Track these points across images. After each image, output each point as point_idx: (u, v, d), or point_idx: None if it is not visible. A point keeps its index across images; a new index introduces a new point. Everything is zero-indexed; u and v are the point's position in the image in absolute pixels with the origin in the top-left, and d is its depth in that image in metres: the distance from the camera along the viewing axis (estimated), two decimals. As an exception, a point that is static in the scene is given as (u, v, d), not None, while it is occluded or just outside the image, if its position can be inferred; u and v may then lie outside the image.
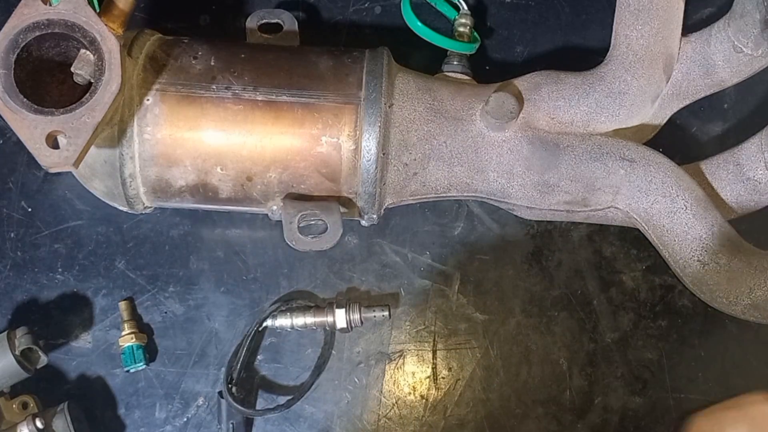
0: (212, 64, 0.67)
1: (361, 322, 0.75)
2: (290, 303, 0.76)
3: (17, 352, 0.68)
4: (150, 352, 0.76)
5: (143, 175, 0.67)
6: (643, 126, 0.73)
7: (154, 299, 0.77)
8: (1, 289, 0.77)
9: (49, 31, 0.60)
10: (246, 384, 0.75)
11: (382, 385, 0.76)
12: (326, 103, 0.66)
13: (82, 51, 0.61)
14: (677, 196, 0.68)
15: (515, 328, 0.77)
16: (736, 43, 0.71)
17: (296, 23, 0.75)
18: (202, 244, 0.78)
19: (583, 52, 0.82)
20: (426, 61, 0.77)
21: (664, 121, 0.75)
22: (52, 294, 0.77)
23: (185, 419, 0.75)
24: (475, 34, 0.79)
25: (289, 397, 0.74)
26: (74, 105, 0.59)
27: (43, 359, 0.70)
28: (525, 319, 0.77)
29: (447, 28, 0.79)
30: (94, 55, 0.60)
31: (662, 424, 0.76)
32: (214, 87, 0.66)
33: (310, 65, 0.68)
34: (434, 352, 0.77)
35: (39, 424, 0.68)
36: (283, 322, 0.75)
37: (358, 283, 0.78)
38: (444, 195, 0.71)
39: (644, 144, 0.71)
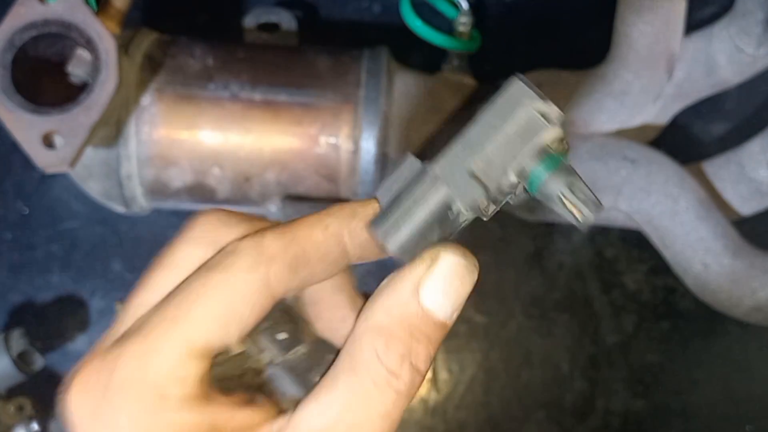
0: (210, 63, 0.67)
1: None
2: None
3: (13, 355, 0.68)
4: (147, 354, 0.75)
5: (140, 175, 0.66)
6: (646, 126, 0.73)
7: (151, 301, 0.76)
8: (-3, 291, 0.76)
9: (46, 30, 0.59)
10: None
11: (381, 387, 0.76)
12: (325, 103, 0.66)
13: (79, 50, 0.61)
14: (679, 196, 0.67)
15: (516, 330, 0.77)
16: (738, 42, 0.70)
17: (295, 22, 0.75)
18: (200, 246, 0.77)
19: (584, 51, 0.81)
20: (426, 61, 0.76)
21: (667, 122, 0.75)
22: (49, 296, 0.76)
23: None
24: (475, 33, 0.79)
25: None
26: (70, 105, 0.58)
27: (40, 361, 0.70)
28: (526, 321, 0.77)
29: (447, 28, 0.78)
30: (91, 54, 0.60)
31: (664, 427, 0.76)
32: (212, 87, 0.66)
33: (308, 64, 0.68)
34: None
35: (35, 426, 0.68)
36: (281, 324, 0.74)
37: (358, 285, 0.77)
38: (444, 196, 0.70)
39: (647, 144, 0.71)
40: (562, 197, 0.31)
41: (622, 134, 0.71)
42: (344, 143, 0.66)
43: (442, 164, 0.31)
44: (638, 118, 0.71)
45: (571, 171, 0.31)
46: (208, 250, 0.32)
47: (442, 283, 0.32)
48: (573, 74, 0.72)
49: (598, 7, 0.83)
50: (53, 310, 0.76)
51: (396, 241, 0.31)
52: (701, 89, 0.74)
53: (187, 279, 0.31)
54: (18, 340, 0.69)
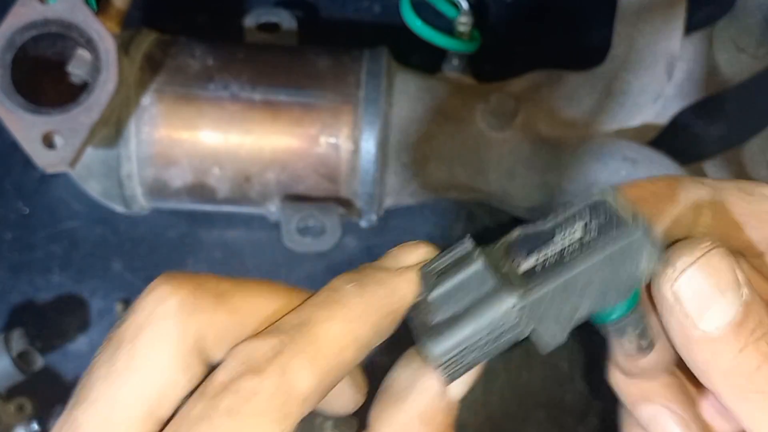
0: (210, 63, 0.67)
1: (361, 324, 0.74)
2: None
3: (13, 355, 0.68)
4: (147, 354, 0.75)
5: (140, 175, 0.66)
6: (646, 126, 0.73)
7: (151, 301, 0.76)
8: (-3, 291, 0.76)
9: (46, 30, 0.59)
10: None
11: (381, 387, 0.75)
12: (325, 103, 0.66)
13: (79, 50, 0.61)
14: (679, 196, 0.67)
15: (516, 330, 0.77)
16: (738, 43, 0.70)
17: (295, 22, 0.75)
18: (200, 246, 0.77)
19: (584, 51, 0.81)
20: (426, 61, 0.76)
21: (667, 122, 0.75)
22: (49, 295, 0.76)
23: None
24: (476, 33, 0.79)
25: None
26: (71, 105, 0.58)
27: (40, 361, 0.70)
28: (525, 321, 0.77)
29: (447, 28, 0.78)
30: (91, 54, 0.60)
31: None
32: (212, 87, 0.66)
33: (308, 65, 0.68)
34: (434, 354, 0.76)
35: (35, 426, 0.67)
36: (281, 323, 0.74)
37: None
38: (444, 196, 0.70)
39: (646, 144, 0.71)
40: (630, 337, 0.31)
41: (622, 134, 0.71)
42: (344, 143, 0.66)
43: (533, 302, 0.28)
44: (638, 118, 0.71)
45: (642, 312, 0.30)
46: (179, 355, 0.26)
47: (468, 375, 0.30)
48: (573, 74, 0.72)
49: (598, 7, 0.83)
50: (53, 310, 0.76)
51: (451, 374, 0.29)
52: (701, 89, 0.74)
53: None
54: (18, 340, 0.68)
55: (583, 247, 0.28)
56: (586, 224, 0.29)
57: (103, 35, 0.59)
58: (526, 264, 0.29)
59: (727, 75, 0.73)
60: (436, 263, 0.30)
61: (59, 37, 0.60)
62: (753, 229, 0.32)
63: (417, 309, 0.30)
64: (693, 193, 0.32)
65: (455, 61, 0.75)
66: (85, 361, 0.78)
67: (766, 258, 0.33)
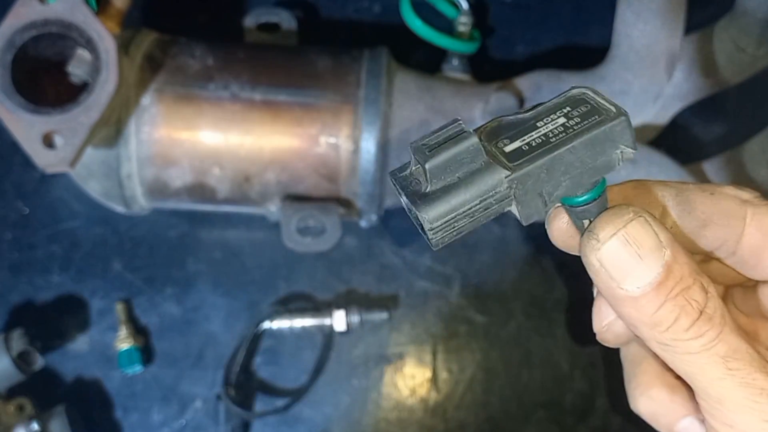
0: (210, 63, 0.67)
1: (361, 325, 0.74)
2: (288, 305, 0.75)
3: (13, 355, 0.68)
4: (147, 354, 0.75)
5: (140, 175, 0.66)
6: (646, 126, 0.73)
7: (151, 301, 0.76)
8: (-2, 291, 0.76)
9: (46, 30, 0.59)
10: (244, 386, 0.74)
11: (381, 387, 0.75)
12: (325, 103, 0.66)
13: (79, 50, 0.61)
14: (679, 196, 0.67)
15: (516, 330, 0.77)
16: (738, 42, 0.70)
17: (295, 22, 0.75)
18: (200, 246, 0.77)
19: (584, 51, 0.81)
20: (426, 61, 0.76)
21: (667, 121, 0.75)
22: (49, 296, 0.76)
23: (183, 422, 0.75)
24: (476, 33, 0.79)
25: (288, 400, 0.73)
26: (70, 105, 0.58)
27: (40, 361, 0.70)
28: (526, 321, 0.77)
29: (447, 28, 0.78)
30: (91, 54, 0.60)
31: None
32: (212, 87, 0.66)
33: (308, 65, 0.68)
34: (434, 355, 0.76)
35: (35, 426, 0.67)
36: (281, 324, 0.74)
37: (357, 285, 0.77)
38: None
39: (647, 144, 0.71)
40: (586, 223, 0.32)
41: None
42: (344, 143, 0.66)
43: (522, 175, 0.31)
44: (638, 118, 0.71)
45: (606, 198, 0.32)
46: None
47: None
48: (573, 74, 0.72)
49: (598, 7, 0.83)
50: (53, 310, 0.76)
51: (441, 238, 0.31)
52: (701, 89, 0.74)
53: None
54: (18, 340, 0.68)
55: (567, 130, 0.31)
56: (567, 113, 0.32)
57: (103, 35, 0.59)
58: (512, 146, 0.32)
59: (727, 75, 0.73)
60: (427, 139, 0.32)
61: (59, 37, 0.60)
62: (717, 227, 0.34)
63: (409, 179, 0.32)
64: (659, 194, 0.34)
65: (455, 61, 0.75)
66: (85, 361, 0.79)
67: (736, 256, 0.35)
